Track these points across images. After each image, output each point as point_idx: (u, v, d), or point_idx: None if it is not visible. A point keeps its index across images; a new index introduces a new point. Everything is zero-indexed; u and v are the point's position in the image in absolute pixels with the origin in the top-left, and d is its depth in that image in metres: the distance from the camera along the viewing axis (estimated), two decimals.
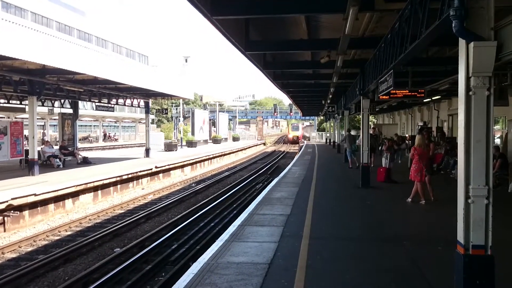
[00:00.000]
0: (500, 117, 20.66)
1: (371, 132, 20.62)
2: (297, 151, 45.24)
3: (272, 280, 6.02)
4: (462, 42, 4.72)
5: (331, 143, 46.08)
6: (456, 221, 4.90)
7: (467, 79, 4.66)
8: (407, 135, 32.65)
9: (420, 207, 11.54)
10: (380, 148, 19.52)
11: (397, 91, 15.30)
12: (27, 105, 20.30)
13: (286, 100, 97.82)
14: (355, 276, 6.21)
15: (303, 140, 70.91)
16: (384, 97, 14.70)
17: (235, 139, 68.64)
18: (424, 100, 25.61)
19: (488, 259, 4.73)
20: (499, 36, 4.66)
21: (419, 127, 30.77)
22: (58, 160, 22.63)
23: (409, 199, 12.06)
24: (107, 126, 73.19)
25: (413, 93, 16.00)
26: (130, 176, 20.60)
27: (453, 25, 4.59)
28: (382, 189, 14.73)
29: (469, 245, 4.73)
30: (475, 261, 4.71)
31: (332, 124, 49.21)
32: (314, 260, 6.90)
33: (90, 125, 70.35)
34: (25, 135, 22.22)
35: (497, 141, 21.11)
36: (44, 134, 50.02)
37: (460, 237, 4.80)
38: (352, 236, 8.63)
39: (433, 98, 23.18)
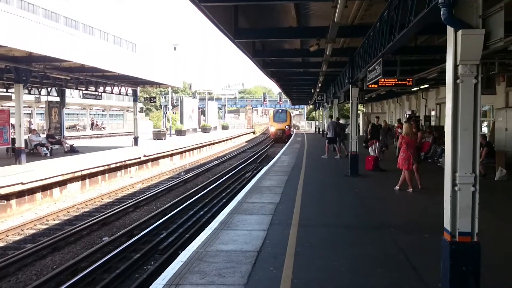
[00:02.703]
0: (489, 106, 20.85)
1: (374, 122, 19.91)
2: (286, 140, 44.76)
3: (261, 268, 6.04)
4: (450, 30, 4.72)
5: (321, 132, 46.18)
6: (443, 208, 4.94)
7: (455, 67, 4.67)
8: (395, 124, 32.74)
9: (408, 195, 11.64)
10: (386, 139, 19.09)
11: (385, 80, 15.32)
12: (13, 93, 20.09)
13: (275, 89, 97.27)
14: (343, 263, 6.25)
15: (293, 130, 58.87)
16: (372, 85, 14.70)
17: (225, 127, 68.56)
18: (413, 89, 25.74)
19: (475, 246, 4.77)
20: (487, 24, 4.66)
21: (407, 115, 30.89)
22: (45, 148, 22.46)
23: (397, 187, 12.15)
24: (94, 114, 72.53)
25: (401, 82, 16.03)
26: (118, 165, 20.49)
27: (441, 13, 4.59)
28: (370, 178, 14.82)
29: (455, 232, 4.76)
30: (462, 248, 4.75)
31: (321, 113, 49.30)
32: (303, 248, 6.93)
33: (78, 114, 69.65)
34: (11, 123, 21.98)
35: (485, 129, 21.34)
36: (30, 123, 49.54)
37: (447, 224, 4.84)
38: (340, 224, 8.67)
39: (421, 87, 23.30)
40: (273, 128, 48.13)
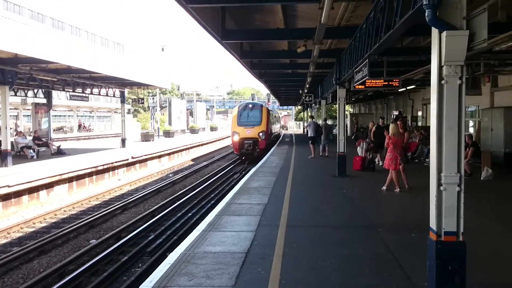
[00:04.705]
0: (475, 107, 21.06)
1: (380, 123, 18.73)
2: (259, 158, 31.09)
3: (248, 269, 6.05)
4: (435, 31, 4.77)
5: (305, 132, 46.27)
6: (429, 208, 4.98)
7: (440, 68, 4.72)
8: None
9: (395, 195, 11.71)
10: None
11: (372, 81, 15.43)
12: None
13: (264, 90, 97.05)
14: (331, 263, 6.27)
15: (281, 131, 53.03)
16: (359, 86, 14.79)
17: (213, 129, 68.54)
18: (399, 90, 25.94)
19: (460, 245, 4.81)
20: (471, 25, 4.71)
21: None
22: (31, 151, 22.26)
23: (384, 187, 12.22)
24: (82, 116, 72.02)
25: (388, 83, 16.15)
26: (106, 166, 20.37)
27: (426, 14, 4.63)
28: (358, 178, 14.89)
29: (441, 231, 4.80)
30: (447, 247, 4.78)
31: (309, 114, 49.42)
32: (291, 248, 6.94)
33: (65, 116, 69.09)
34: None
35: (471, 130, 21.55)
36: (17, 125, 49.05)
37: (433, 224, 4.88)
38: (328, 224, 8.70)
39: (407, 87, 23.48)
40: (237, 136, 27.61)
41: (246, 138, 27.36)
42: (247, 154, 27.53)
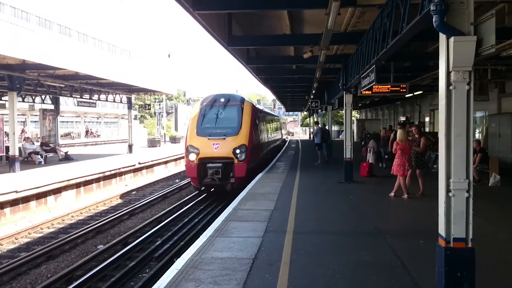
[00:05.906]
0: (482, 112, 20.94)
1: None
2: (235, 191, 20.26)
3: (256, 275, 6.03)
4: (442, 37, 4.76)
5: (311, 138, 46.10)
6: (437, 214, 4.96)
7: (448, 73, 4.71)
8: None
9: (403, 201, 11.64)
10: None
11: (379, 86, 15.34)
12: (7, 101, 20.05)
13: (269, 96, 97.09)
14: (338, 269, 6.24)
15: (287, 138, 51.75)
16: (366, 92, 14.73)
17: None
18: (406, 95, 25.81)
19: (469, 251, 4.78)
20: (478, 31, 4.71)
21: (401, 122, 30.85)
22: (39, 156, 22.39)
23: (392, 194, 12.15)
24: (89, 122, 72.32)
25: (395, 88, 16.04)
26: (113, 172, 20.43)
27: (433, 20, 4.63)
28: (365, 184, 14.82)
29: (450, 238, 4.78)
30: (456, 253, 4.76)
31: (315, 120, 49.24)
32: (298, 255, 6.92)
33: (72, 121, 69.43)
34: (5, 131, 21.90)
35: (478, 135, 21.42)
36: (24, 131, 49.33)
37: (441, 230, 4.85)
38: (335, 231, 8.67)
39: (415, 93, 23.38)
40: (194, 155, 15.81)
41: (211, 159, 15.87)
42: (212, 185, 16.22)
